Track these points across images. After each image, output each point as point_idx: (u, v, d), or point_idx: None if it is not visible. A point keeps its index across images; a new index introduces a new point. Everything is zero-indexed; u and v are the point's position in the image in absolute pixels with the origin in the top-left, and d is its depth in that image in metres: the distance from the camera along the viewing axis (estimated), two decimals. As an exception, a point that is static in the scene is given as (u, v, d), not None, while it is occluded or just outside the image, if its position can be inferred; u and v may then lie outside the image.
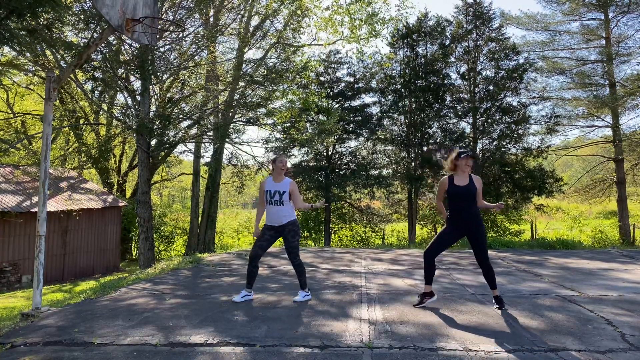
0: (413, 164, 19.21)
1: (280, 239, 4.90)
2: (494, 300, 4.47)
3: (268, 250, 9.85)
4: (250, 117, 13.46)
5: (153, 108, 12.06)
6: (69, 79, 11.50)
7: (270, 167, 4.84)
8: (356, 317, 4.11)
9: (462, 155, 4.28)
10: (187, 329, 3.77)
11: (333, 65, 20.15)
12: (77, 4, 9.00)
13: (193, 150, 16.43)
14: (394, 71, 19.93)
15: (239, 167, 16.10)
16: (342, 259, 8.37)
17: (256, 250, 4.72)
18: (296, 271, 4.80)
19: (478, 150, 19.02)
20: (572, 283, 5.81)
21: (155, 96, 12.67)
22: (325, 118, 16.76)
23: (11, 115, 16.68)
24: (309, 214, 20.88)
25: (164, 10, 10.80)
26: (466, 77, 19.18)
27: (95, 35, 8.24)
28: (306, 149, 18.41)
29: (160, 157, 12.47)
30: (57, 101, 16.22)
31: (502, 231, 19.02)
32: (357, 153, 20.79)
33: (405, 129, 19.77)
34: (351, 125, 19.96)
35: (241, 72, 12.96)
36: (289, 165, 4.91)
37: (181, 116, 12.14)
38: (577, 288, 5.48)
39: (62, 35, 8.12)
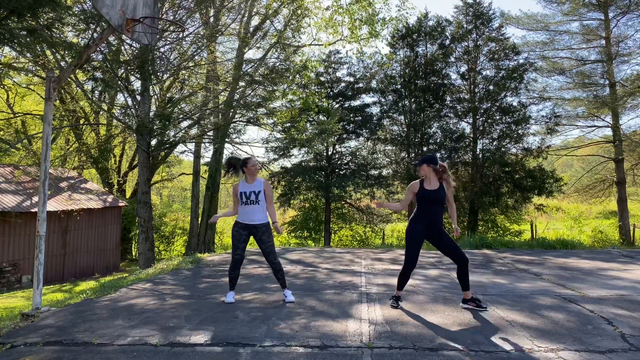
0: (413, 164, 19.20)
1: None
2: (470, 305, 4.38)
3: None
4: (250, 117, 13.47)
5: (153, 108, 12.07)
6: (69, 79, 11.50)
7: (242, 172, 4.71)
8: (356, 317, 4.11)
9: (415, 164, 4.47)
10: (187, 329, 3.77)
11: (333, 65, 20.15)
12: (77, 4, 9.00)
13: (193, 150, 16.44)
14: (394, 71, 19.93)
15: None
16: (342, 258, 8.37)
17: (240, 254, 4.69)
18: (277, 271, 4.75)
19: (478, 150, 19.01)
20: (572, 283, 5.81)
21: (155, 96, 12.67)
22: (325, 118, 16.76)
23: (11, 115, 16.68)
24: (309, 213, 20.88)
25: (164, 10, 10.80)
26: (466, 77, 19.18)
27: (95, 35, 8.24)
28: (306, 149, 18.41)
29: (160, 157, 12.47)
30: (57, 101, 16.23)
31: (502, 231, 19.02)
32: (357, 153, 20.79)
33: (405, 129, 19.76)
34: (351, 125, 19.96)
35: (241, 72, 12.96)
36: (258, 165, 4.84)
37: (181, 116, 12.14)
38: (577, 288, 5.48)
39: (62, 36, 8.12)
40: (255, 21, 14.59)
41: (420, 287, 5.49)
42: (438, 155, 18.74)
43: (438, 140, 19.25)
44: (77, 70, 10.40)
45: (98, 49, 9.24)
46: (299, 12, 13.18)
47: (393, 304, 4.50)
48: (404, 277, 4.50)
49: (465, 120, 19.48)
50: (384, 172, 20.59)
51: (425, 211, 4.35)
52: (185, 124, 12.70)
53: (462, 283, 4.38)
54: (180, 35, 11.62)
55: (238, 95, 13.41)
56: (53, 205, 15.40)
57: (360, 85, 20.23)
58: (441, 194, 4.32)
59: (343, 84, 20.27)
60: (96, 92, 14.60)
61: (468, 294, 4.41)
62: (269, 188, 4.74)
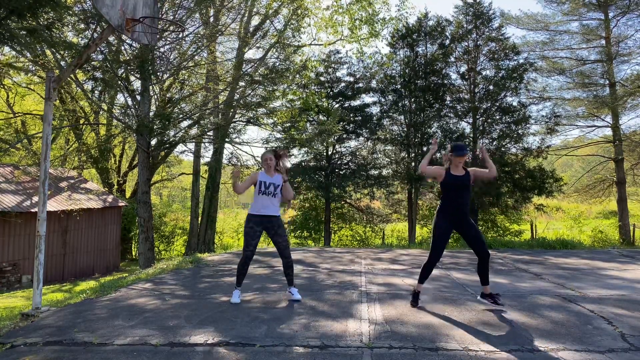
0: (413, 164, 19.21)
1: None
2: (488, 300, 4.43)
3: (268, 250, 9.88)
4: (250, 117, 13.47)
5: (153, 108, 12.06)
6: (69, 79, 11.50)
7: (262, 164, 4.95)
8: (356, 317, 4.11)
9: (456, 153, 4.41)
10: (187, 329, 3.77)
11: (333, 65, 20.13)
12: (77, 4, 9.00)
13: (193, 150, 16.45)
14: (394, 71, 19.91)
15: (239, 167, 16.09)
16: (342, 258, 8.37)
17: (252, 250, 4.72)
18: (289, 267, 4.83)
19: (478, 150, 19.01)
20: (572, 283, 5.81)
21: (155, 96, 12.67)
22: (325, 118, 16.76)
23: (11, 115, 16.68)
24: (309, 213, 20.87)
25: (164, 10, 10.79)
26: (466, 77, 19.17)
27: (95, 35, 8.24)
28: (306, 149, 18.40)
29: (160, 157, 12.47)
30: (57, 101, 16.22)
31: (502, 231, 19.01)
32: (357, 153, 20.77)
33: (405, 129, 19.76)
34: (351, 125, 19.95)
35: (241, 72, 12.96)
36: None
37: (181, 116, 12.14)
38: (577, 288, 5.48)
39: (62, 35, 8.11)
40: (255, 21, 14.60)
41: (420, 287, 5.48)
42: (438, 155, 18.82)
43: (438, 140, 19.23)
44: (77, 70, 10.39)
45: (98, 48, 9.24)
46: (299, 12, 13.19)
47: (412, 303, 4.51)
48: (426, 271, 4.49)
49: (465, 120, 19.47)
50: (384, 172, 20.57)
51: (451, 196, 4.39)
52: (185, 123, 12.71)
53: (481, 277, 4.43)
54: (180, 35, 11.62)
55: (238, 95, 13.40)
56: (53, 205, 15.40)
57: (360, 85, 20.21)
58: (467, 180, 4.39)
59: (343, 84, 20.25)
60: (96, 92, 14.58)
61: (487, 289, 4.45)
62: (287, 183, 4.91)
